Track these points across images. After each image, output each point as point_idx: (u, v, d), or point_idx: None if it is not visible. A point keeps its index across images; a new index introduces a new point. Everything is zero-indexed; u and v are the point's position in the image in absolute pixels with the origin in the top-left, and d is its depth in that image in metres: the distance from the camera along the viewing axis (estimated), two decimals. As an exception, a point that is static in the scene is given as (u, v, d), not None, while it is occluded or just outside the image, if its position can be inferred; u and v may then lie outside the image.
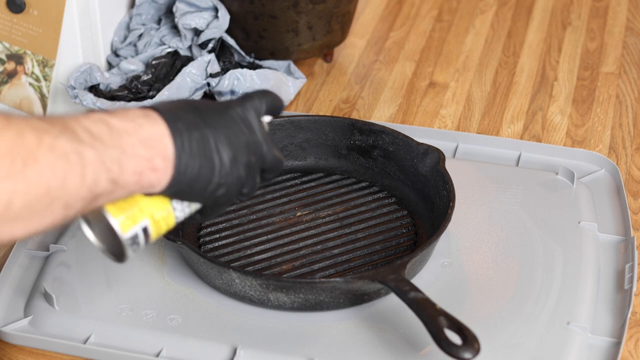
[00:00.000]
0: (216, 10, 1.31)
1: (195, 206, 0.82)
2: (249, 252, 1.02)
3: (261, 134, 0.82)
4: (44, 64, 1.25)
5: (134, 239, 0.78)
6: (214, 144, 0.77)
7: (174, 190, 0.77)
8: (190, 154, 0.75)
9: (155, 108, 0.76)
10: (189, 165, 0.75)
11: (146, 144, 0.73)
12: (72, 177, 0.67)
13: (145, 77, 1.26)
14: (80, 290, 0.99)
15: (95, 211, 0.78)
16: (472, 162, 1.17)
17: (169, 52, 1.30)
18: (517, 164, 1.18)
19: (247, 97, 0.83)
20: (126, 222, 0.77)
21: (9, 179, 0.63)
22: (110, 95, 1.24)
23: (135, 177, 0.72)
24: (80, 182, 0.68)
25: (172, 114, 0.76)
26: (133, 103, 1.22)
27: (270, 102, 0.84)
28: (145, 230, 0.79)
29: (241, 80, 1.25)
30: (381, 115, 1.30)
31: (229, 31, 1.32)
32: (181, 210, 0.81)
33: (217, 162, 0.78)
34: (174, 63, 1.29)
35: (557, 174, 1.14)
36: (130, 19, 1.36)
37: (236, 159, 0.79)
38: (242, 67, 1.31)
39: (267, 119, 0.85)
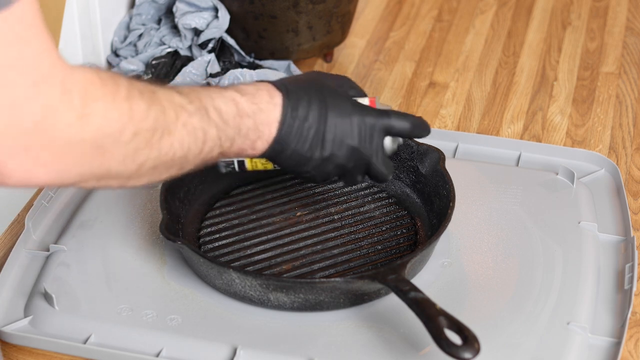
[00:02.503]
0: (216, 10, 1.31)
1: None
2: (249, 252, 1.02)
3: (374, 147, 0.90)
4: (44, 64, 1.25)
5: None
6: (316, 139, 0.87)
7: (278, 160, 0.88)
8: (289, 142, 0.86)
9: (284, 89, 0.86)
10: (285, 150, 0.86)
11: (258, 129, 0.84)
12: (194, 149, 0.78)
13: (145, 77, 1.26)
14: (80, 290, 0.99)
15: None
16: (472, 162, 1.17)
17: (169, 52, 1.30)
18: (517, 164, 1.18)
19: (384, 112, 0.91)
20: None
21: (147, 148, 0.72)
22: (110, 95, 1.24)
23: (237, 151, 0.84)
24: (197, 153, 0.78)
25: (295, 101, 0.86)
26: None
27: (410, 125, 0.93)
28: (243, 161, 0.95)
29: (241, 80, 1.25)
30: (381, 115, 1.29)
31: (229, 31, 1.32)
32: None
33: (309, 156, 0.88)
34: (174, 63, 1.29)
35: (557, 174, 1.14)
36: (130, 19, 1.36)
37: (331, 158, 0.89)
38: (242, 67, 1.31)
39: (399, 140, 0.94)
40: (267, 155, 0.86)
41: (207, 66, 1.25)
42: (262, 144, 0.85)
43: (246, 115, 0.83)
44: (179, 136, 0.75)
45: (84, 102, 0.66)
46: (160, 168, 0.75)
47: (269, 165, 0.97)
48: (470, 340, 0.83)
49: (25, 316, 0.96)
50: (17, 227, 1.10)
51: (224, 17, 1.30)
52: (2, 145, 0.64)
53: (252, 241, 1.04)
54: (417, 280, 0.98)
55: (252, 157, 0.90)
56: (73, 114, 0.66)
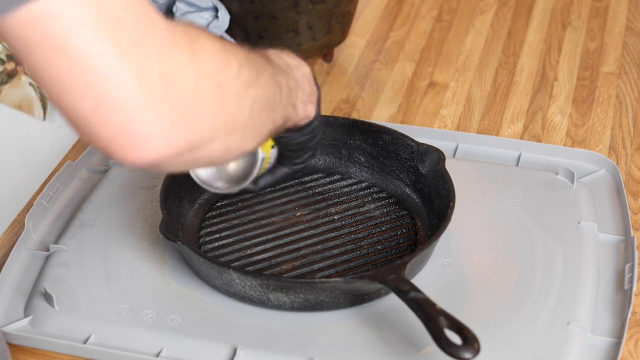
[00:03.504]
0: (216, 10, 1.31)
1: (269, 165, 0.96)
2: (249, 252, 1.02)
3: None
4: (44, 64, 1.25)
5: (261, 161, 0.93)
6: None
7: (310, 128, 0.92)
8: (319, 94, 0.91)
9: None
10: (319, 104, 0.91)
11: (307, 81, 0.88)
12: (277, 93, 0.77)
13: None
14: (80, 290, 0.99)
15: None
16: (472, 162, 1.17)
17: (169, 52, 1.30)
18: (517, 164, 1.18)
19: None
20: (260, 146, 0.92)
21: (252, 84, 0.70)
22: (110, 95, 1.24)
23: (302, 106, 0.87)
24: (280, 99, 0.78)
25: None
26: None
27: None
28: (263, 159, 0.93)
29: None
30: (381, 115, 1.30)
31: (229, 31, 1.32)
32: (269, 160, 0.95)
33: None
34: (174, 63, 1.28)
35: (557, 174, 1.14)
36: (130, 19, 1.36)
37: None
38: (242, 67, 1.31)
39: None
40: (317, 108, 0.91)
41: (207, 66, 1.25)
42: (314, 98, 0.90)
43: (295, 67, 0.88)
44: (266, 77, 0.74)
45: (189, 39, 0.63)
46: (263, 115, 0.73)
47: (265, 164, 0.97)
48: (470, 340, 0.83)
49: (25, 316, 0.96)
50: (17, 227, 1.10)
51: (224, 17, 1.30)
52: (141, 106, 0.60)
53: (252, 241, 1.04)
54: (417, 280, 0.98)
55: (307, 116, 0.91)
56: (185, 53, 0.62)
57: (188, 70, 0.62)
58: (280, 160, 0.97)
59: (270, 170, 0.98)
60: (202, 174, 0.95)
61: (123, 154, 0.61)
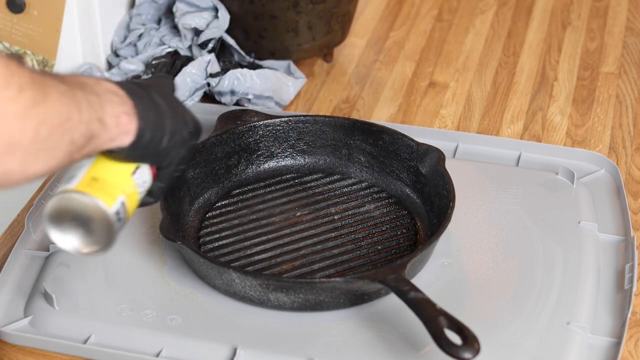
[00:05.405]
0: (216, 10, 1.31)
1: (149, 185, 0.86)
2: (249, 252, 1.02)
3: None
4: (44, 64, 1.25)
5: (118, 215, 0.80)
6: (155, 99, 0.84)
7: (139, 144, 0.81)
8: (143, 106, 0.81)
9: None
10: (146, 115, 0.81)
11: (114, 93, 0.79)
12: (74, 111, 0.72)
13: (145, 77, 1.26)
14: (80, 290, 0.99)
15: (73, 203, 0.79)
16: (472, 162, 1.17)
17: (169, 52, 1.30)
18: (517, 164, 1.18)
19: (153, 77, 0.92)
20: (107, 198, 0.80)
21: (36, 107, 0.68)
22: (110, 95, 1.24)
23: (114, 119, 0.78)
24: (79, 118, 0.73)
25: (113, 80, 0.83)
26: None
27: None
28: (123, 205, 0.81)
29: (241, 80, 1.25)
30: (381, 115, 1.30)
31: (229, 31, 1.32)
32: (141, 185, 0.84)
33: (161, 113, 0.84)
34: (174, 63, 1.29)
35: (557, 174, 1.14)
36: (130, 19, 1.36)
37: (174, 112, 0.86)
38: (242, 67, 1.31)
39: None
40: (140, 117, 0.81)
41: (207, 66, 1.25)
42: (130, 108, 0.80)
43: (93, 83, 0.79)
44: (56, 96, 0.71)
45: None
46: (54, 137, 0.70)
47: (136, 199, 0.85)
48: (470, 340, 0.83)
49: (25, 316, 0.96)
50: (17, 227, 1.11)
51: (224, 17, 1.30)
52: None
53: (252, 241, 1.04)
54: (417, 280, 0.98)
55: (129, 127, 0.79)
56: None
57: None
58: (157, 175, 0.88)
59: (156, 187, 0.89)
60: (62, 242, 0.81)
61: None
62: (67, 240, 0.80)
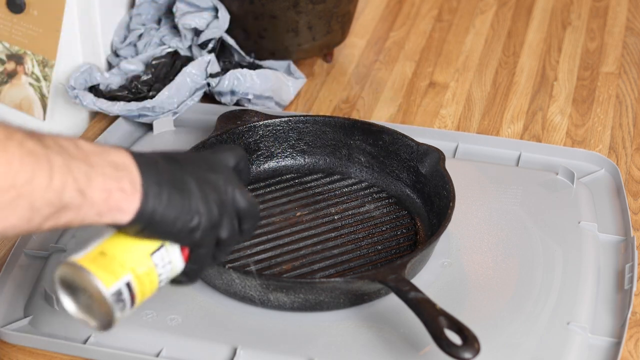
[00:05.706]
0: (216, 10, 1.31)
1: (178, 265, 0.78)
2: (249, 252, 1.02)
3: (233, 177, 0.79)
4: (44, 64, 1.25)
5: (119, 296, 0.74)
6: (181, 176, 0.75)
7: (146, 223, 0.73)
8: (157, 182, 0.73)
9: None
10: (157, 193, 0.73)
11: (114, 167, 0.71)
12: (40, 175, 0.66)
13: (145, 77, 1.26)
14: (80, 290, 0.99)
15: (74, 275, 0.74)
16: (472, 162, 1.17)
17: (169, 52, 1.30)
18: (517, 164, 1.18)
19: (217, 148, 0.82)
20: (107, 276, 0.73)
21: None
22: (110, 96, 1.24)
23: (103, 194, 0.70)
24: (47, 184, 0.66)
25: (136, 152, 0.75)
26: (133, 103, 1.21)
27: (237, 157, 0.82)
28: (129, 287, 0.74)
29: (241, 81, 1.25)
30: (381, 115, 1.30)
31: (229, 31, 1.32)
32: (163, 266, 0.77)
33: (186, 192, 0.75)
34: (174, 63, 1.29)
35: (557, 174, 1.14)
36: (130, 19, 1.36)
37: (205, 192, 0.76)
38: (242, 67, 1.31)
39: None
40: (144, 199, 0.72)
41: (207, 66, 1.25)
42: (131, 186, 0.72)
43: (92, 153, 0.71)
44: (16, 155, 0.64)
45: None
46: (7, 197, 0.64)
47: (155, 280, 0.78)
48: (470, 340, 0.83)
49: (25, 316, 0.96)
50: (17, 227, 1.10)
51: (224, 17, 1.30)
52: None
53: (252, 241, 1.04)
54: (417, 280, 0.98)
55: (125, 206, 0.71)
56: None
57: None
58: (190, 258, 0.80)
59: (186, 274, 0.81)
60: (71, 309, 0.76)
61: None
62: (71, 307, 0.76)
